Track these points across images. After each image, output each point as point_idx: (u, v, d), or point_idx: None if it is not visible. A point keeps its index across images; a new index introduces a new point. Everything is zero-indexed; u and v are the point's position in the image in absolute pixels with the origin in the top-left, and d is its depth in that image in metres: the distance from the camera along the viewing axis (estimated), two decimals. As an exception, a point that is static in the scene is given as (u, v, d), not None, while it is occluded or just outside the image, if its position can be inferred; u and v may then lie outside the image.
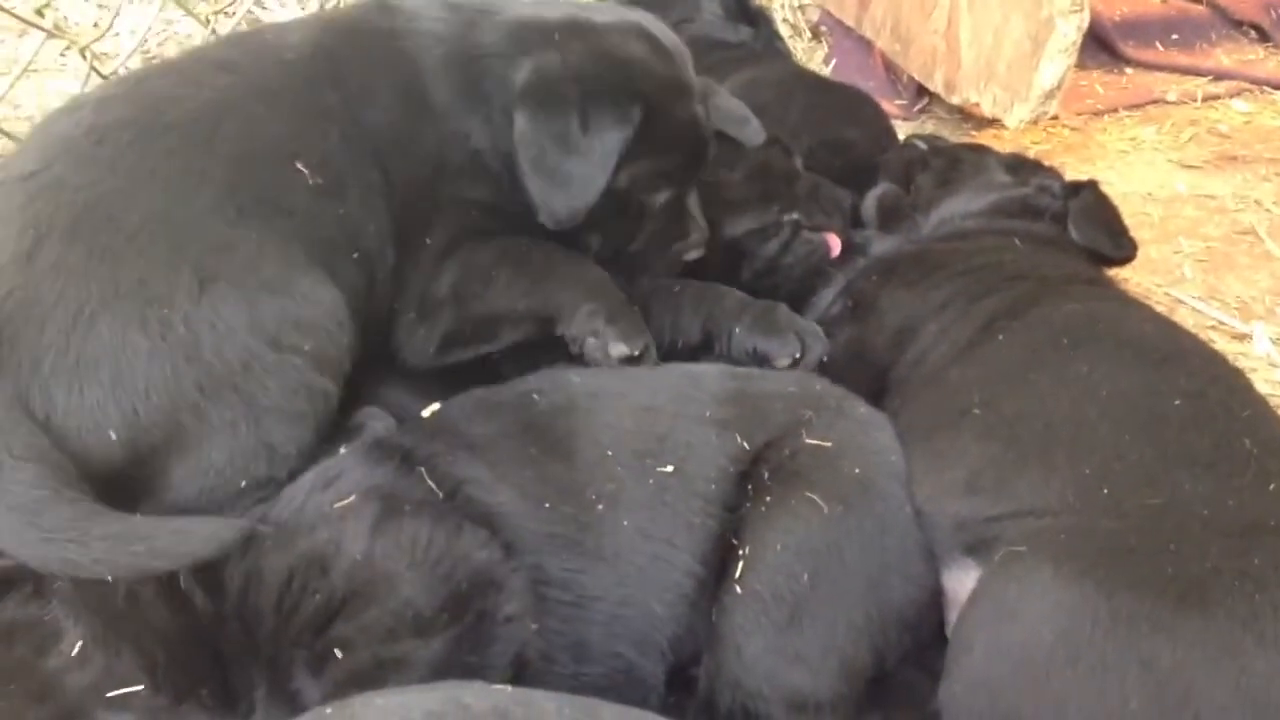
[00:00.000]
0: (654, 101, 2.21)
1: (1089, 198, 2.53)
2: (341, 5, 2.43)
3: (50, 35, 2.54)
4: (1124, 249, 2.49)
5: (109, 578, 1.65)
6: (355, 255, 2.10)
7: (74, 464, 1.74)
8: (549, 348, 2.21)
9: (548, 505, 1.81)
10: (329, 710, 1.36)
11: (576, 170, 2.17)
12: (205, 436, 1.84)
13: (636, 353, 2.10)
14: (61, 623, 1.69)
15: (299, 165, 2.03)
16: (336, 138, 2.12)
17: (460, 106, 2.22)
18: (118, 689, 1.66)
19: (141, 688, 1.67)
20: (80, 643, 1.67)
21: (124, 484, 1.81)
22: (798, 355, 2.20)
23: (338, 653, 1.64)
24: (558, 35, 2.22)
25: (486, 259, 2.22)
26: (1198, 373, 1.90)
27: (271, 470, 1.87)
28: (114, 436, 1.77)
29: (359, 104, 2.17)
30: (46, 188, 1.87)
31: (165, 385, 1.79)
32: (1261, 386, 2.04)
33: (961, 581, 1.79)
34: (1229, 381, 1.91)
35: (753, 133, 2.56)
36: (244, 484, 1.86)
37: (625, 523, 1.81)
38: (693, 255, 2.38)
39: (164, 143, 1.95)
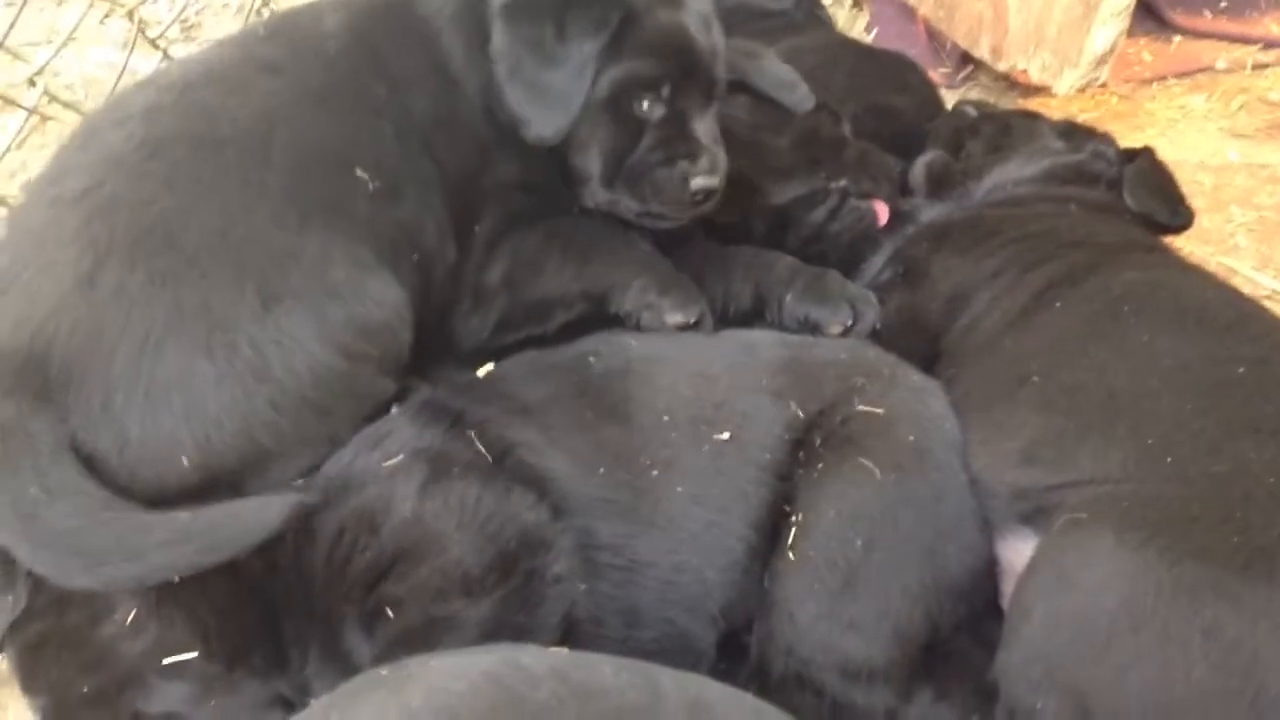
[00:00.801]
0: (635, 7, 2.15)
1: (1144, 164, 2.48)
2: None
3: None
4: (1181, 216, 2.44)
5: (175, 579, 1.65)
6: (415, 256, 2.08)
7: (149, 488, 1.73)
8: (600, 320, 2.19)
9: (602, 470, 1.80)
10: (384, 672, 1.36)
11: (555, 80, 2.13)
12: (283, 451, 1.83)
13: (693, 320, 2.08)
14: (115, 591, 1.69)
15: (358, 171, 2.01)
16: (391, 135, 2.09)
17: (476, 64, 2.18)
18: (172, 656, 1.68)
19: (195, 655, 1.68)
20: (134, 611, 1.69)
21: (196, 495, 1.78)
22: (849, 323, 2.17)
23: (389, 612, 1.65)
24: None
25: (534, 245, 2.21)
26: (1261, 339, 1.86)
27: (331, 455, 1.87)
28: (187, 463, 1.75)
29: (405, 92, 2.14)
30: (101, 208, 1.82)
31: (237, 409, 1.77)
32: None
33: (1018, 551, 1.76)
34: (1293, 348, 1.87)
35: (802, 98, 2.53)
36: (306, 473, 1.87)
37: (680, 489, 1.81)
38: (701, 183, 2.19)
39: (219, 157, 1.90)
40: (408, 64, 2.16)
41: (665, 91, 2.19)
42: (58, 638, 1.70)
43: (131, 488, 1.72)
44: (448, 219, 2.15)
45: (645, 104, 2.19)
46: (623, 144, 2.21)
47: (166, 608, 1.69)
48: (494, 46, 2.13)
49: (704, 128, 2.24)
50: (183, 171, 1.87)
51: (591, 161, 2.22)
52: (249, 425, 1.78)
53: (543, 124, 2.15)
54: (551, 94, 2.14)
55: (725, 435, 1.84)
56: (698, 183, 2.20)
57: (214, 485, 1.78)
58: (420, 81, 2.16)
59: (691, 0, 2.24)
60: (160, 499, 1.73)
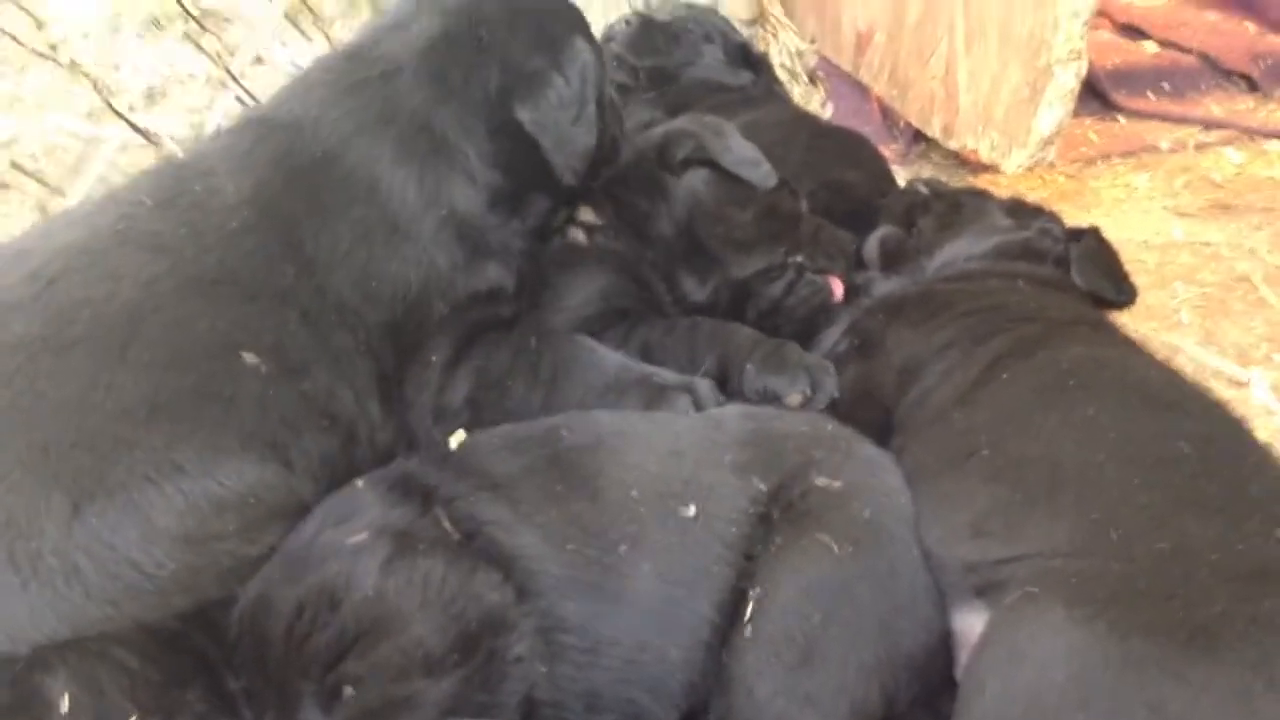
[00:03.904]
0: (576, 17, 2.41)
1: (1091, 243, 2.56)
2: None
3: (62, 67, 2.53)
4: (1125, 294, 2.51)
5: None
6: (324, 424, 1.98)
7: None
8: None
9: (571, 547, 1.81)
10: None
11: (579, 129, 2.31)
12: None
13: None
14: (49, 687, 1.64)
15: (246, 357, 1.90)
16: (295, 320, 1.98)
17: (434, 190, 2.14)
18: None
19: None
20: (67, 695, 1.63)
21: None
22: (808, 392, 2.22)
23: (348, 690, 1.63)
24: (483, 34, 2.25)
25: (499, 366, 2.19)
26: (1204, 418, 1.91)
27: None
28: (12, 648, 1.66)
29: (323, 273, 2.03)
30: None
31: (54, 611, 1.67)
32: (1260, 435, 2.05)
33: (971, 623, 1.78)
34: (1234, 428, 1.92)
35: (764, 175, 2.61)
36: None
37: (646, 566, 1.81)
38: None
39: (63, 362, 1.78)
40: (329, 241, 2.06)
41: None
42: None
43: None
44: (371, 378, 2.07)
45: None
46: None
47: (90, 670, 1.64)
48: (531, 128, 2.22)
49: None
50: (18, 380, 1.76)
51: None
52: (76, 620, 1.68)
53: (578, 163, 2.32)
54: (579, 137, 2.31)
55: (691, 511, 1.86)
56: None
57: None
58: (346, 258, 2.06)
59: None
60: None
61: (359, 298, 2.06)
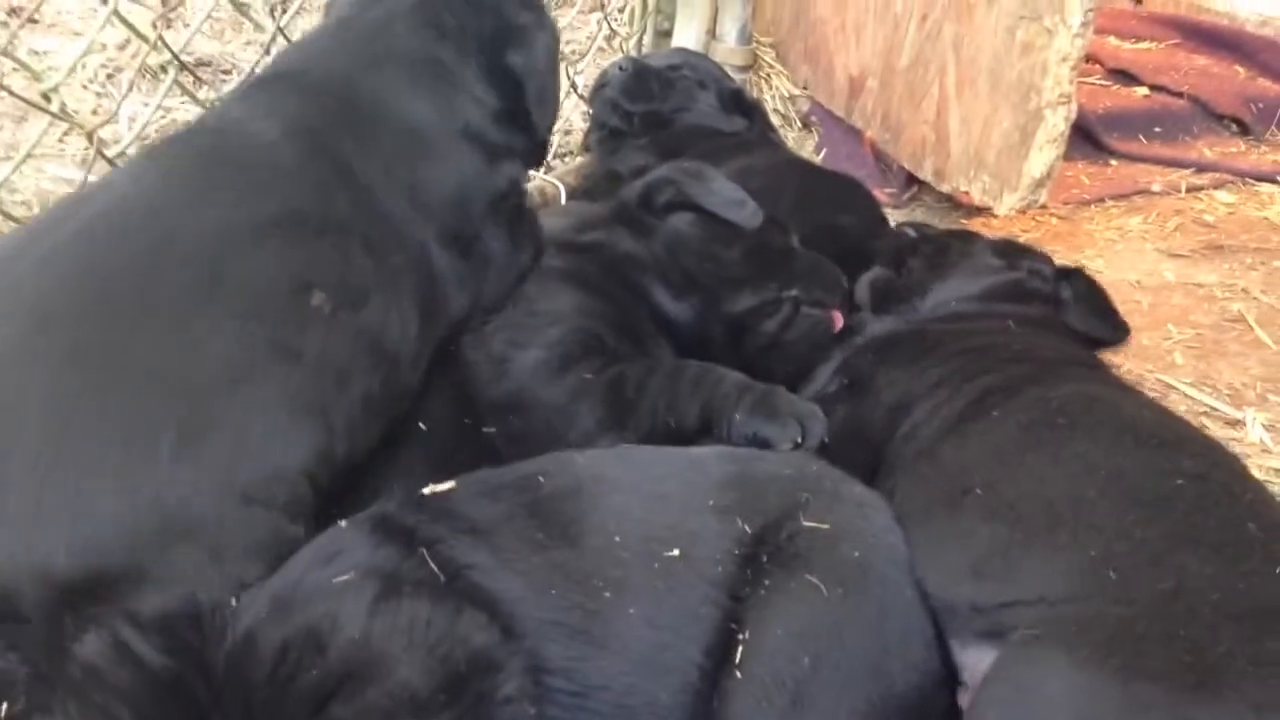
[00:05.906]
0: None
1: (1082, 283, 2.57)
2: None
3: (56, 118, 2.54)
4: (1119, 331, 2.51)
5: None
6: (372, 362, 2.01)
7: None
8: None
9: (554, 592, 1.78)
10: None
11: (554, 88, 2.62)
12: (167, 578, 1.71)
13: None
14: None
15: (314, 299, 1.93)
16: (359, 248, 2.03)
17: (448, 109, 2.35)
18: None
19: None
20: None
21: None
22: (799, 439, 2.19)
23: (334, 733, 1.60)
24: None
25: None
26: (1199, 455, 1.89)
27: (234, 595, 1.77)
28: (64, 559, 1.63)
29: (378, 191, 2.13)
30: (59, 276, 1.76)
31: (121, 523, 1.67)
32: (1256, 473, 2.03)
33: (979, 659, 1.75)
34: (1229, 465, 1.91)
35: (749, 215, 2.61)
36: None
37: (632, 610, 1.78)
38: None
39: (174, 277, 1.81)
40: (376, 164, 2.16)
41: None
42: None
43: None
44: (414, 298, 2.13)
45: None
46: None
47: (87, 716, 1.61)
48: (529, 80, 2.47)
49: None
50: (135, 280, 1.79)
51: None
52: (133, 542, 1.67)
53: (555, 112, 2.69)
54: (556, 85, 2.67)
55: (675, 553, 1.82)
56: None
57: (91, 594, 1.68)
58: (390, 176, 2.17)
59: None
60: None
61: (411, 210, 2.19)
